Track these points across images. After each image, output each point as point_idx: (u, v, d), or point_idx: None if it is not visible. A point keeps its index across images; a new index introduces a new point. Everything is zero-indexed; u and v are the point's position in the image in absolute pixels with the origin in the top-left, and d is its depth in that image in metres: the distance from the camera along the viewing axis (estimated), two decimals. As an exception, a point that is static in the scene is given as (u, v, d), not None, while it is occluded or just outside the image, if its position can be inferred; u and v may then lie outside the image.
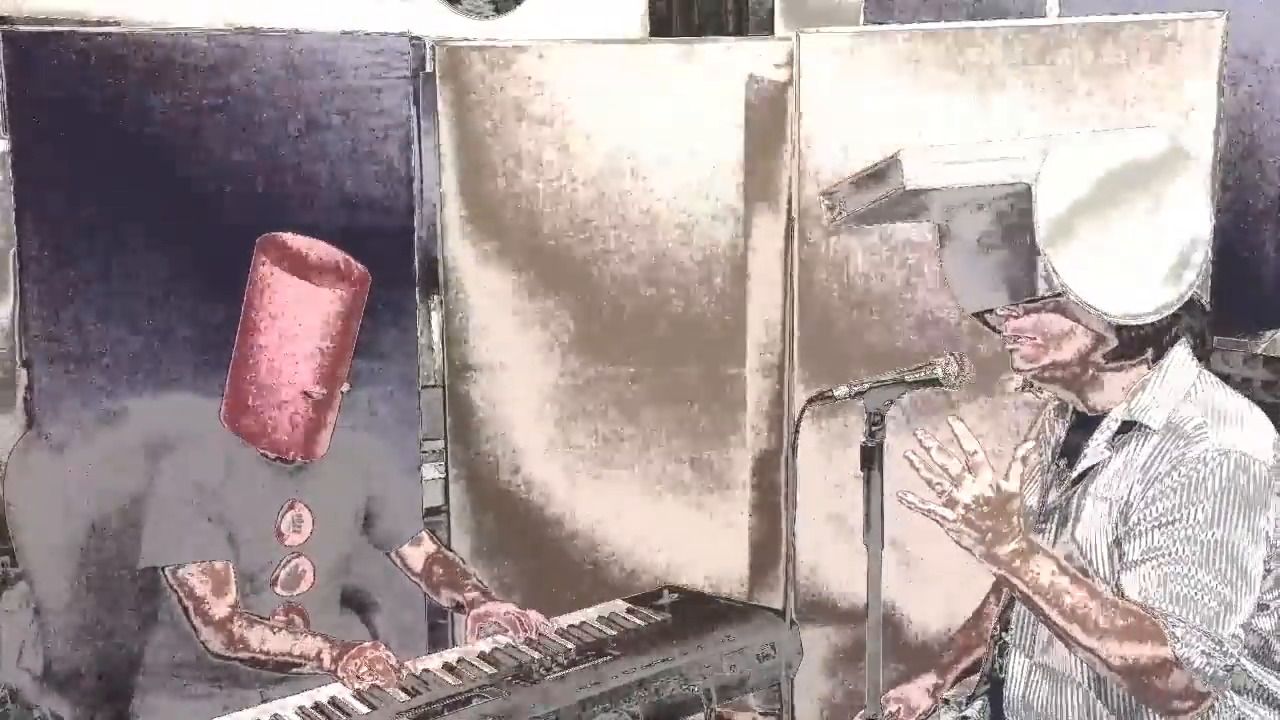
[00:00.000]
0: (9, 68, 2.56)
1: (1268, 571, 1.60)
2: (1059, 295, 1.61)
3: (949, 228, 1.79)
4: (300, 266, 2.26)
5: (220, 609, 2.18)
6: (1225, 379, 1.72)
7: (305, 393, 2.25)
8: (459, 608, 2.41)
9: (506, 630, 2.26)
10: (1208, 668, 1.52)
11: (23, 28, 2.71)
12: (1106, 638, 1.54)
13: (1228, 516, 1.56)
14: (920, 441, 1.59)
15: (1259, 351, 3.18)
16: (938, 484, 1.58)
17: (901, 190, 1.62)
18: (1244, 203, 3.16)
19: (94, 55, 2.64)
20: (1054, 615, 1.57)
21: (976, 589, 2.02)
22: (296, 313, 2.23)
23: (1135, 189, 1.61)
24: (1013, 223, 1.63)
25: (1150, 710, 1.64)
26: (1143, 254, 1.61)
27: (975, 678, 1.94)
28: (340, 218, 2.71)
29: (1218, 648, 1.52)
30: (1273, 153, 3.20)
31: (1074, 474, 1.73)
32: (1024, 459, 1.60)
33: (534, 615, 2.29)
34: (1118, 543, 1.64)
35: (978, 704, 1.92)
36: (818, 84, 2.75)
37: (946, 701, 1.96)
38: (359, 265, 2.35)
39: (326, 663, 2.14)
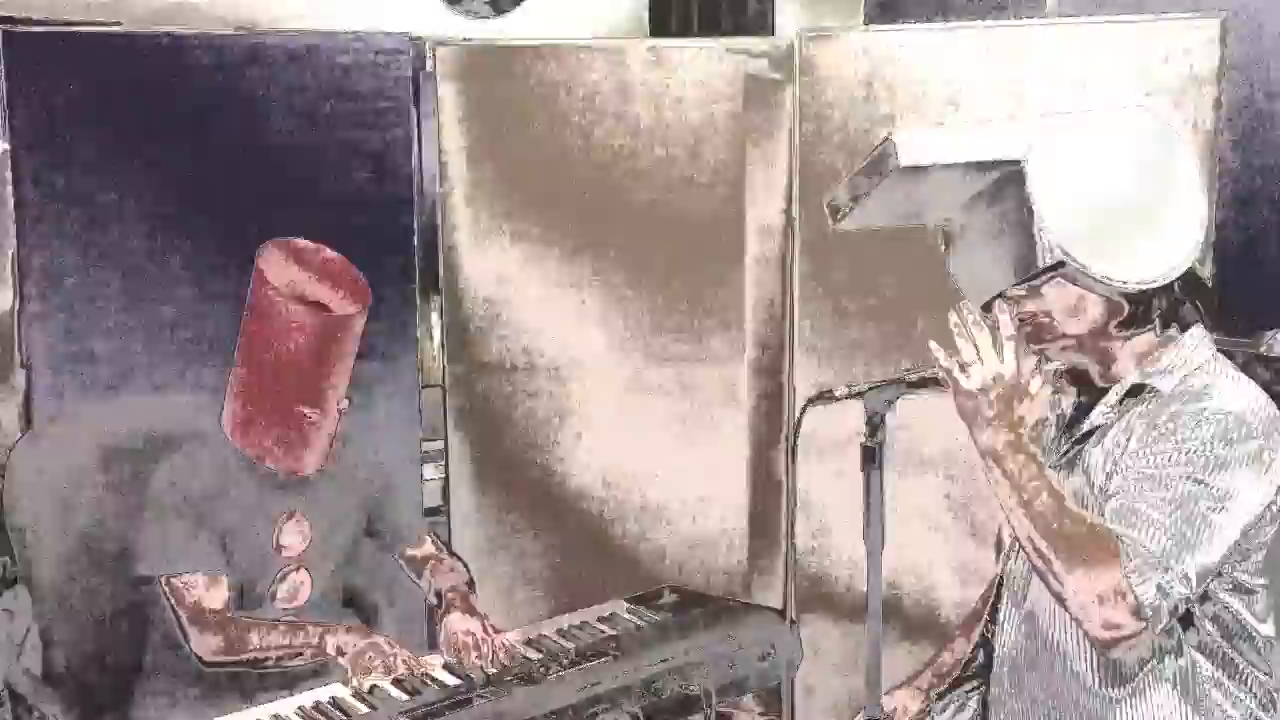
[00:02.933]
0: (9, 68, 2.56)
1: (1250, 551, 1.62)
2: (1060, 265, 1.61)
3: (949, 229, 1.80)
4: (301, 286, 2.19)
5: (212, 618, 2.16)
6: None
7: (301, 413, 2.21)
8: (440, 603, 2.38)
9: (461, 650, 2.16)
10: (1154, 596, 1.52)
11: (22, 28, 2.72)
12: (1064, 549, 1.55)
13: (1207, 464, 1.56)
14: (963, 307, 1.63)
15: (1259, 351, 3.18)
16: (966, 348, 1.61)
17: (896, 170, 1.62)
18: (1245, 203, 3.16)
19: (94, 55, 2.64)
20: (1022, 514, 1.58)
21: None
22: (292, 334, 2.16)
23: (1121, 156, 1.63)
24: (1008, 204, 1.64)
25: (1131, 671, 1.65)
26: (1139, 216, 1.62)
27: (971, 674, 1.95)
28: (340, 218, 2.71)
29: (1166, 579, 1.52)
30: (1273, 153, 3.20)
31: (1079, 434, 1.74)
32: (1047, 373, 1.66)
33: (500, 639, 2.17)
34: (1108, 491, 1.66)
35: (973, 703, 1.92)
36: (817, 84, 2.75)
37: (941, 695, 1.96)
38: (362, 280, 2.26)
39: (328, 649, 2.13)
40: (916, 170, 1.64)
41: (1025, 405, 1.61)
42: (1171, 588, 1.53)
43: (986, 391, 1.60)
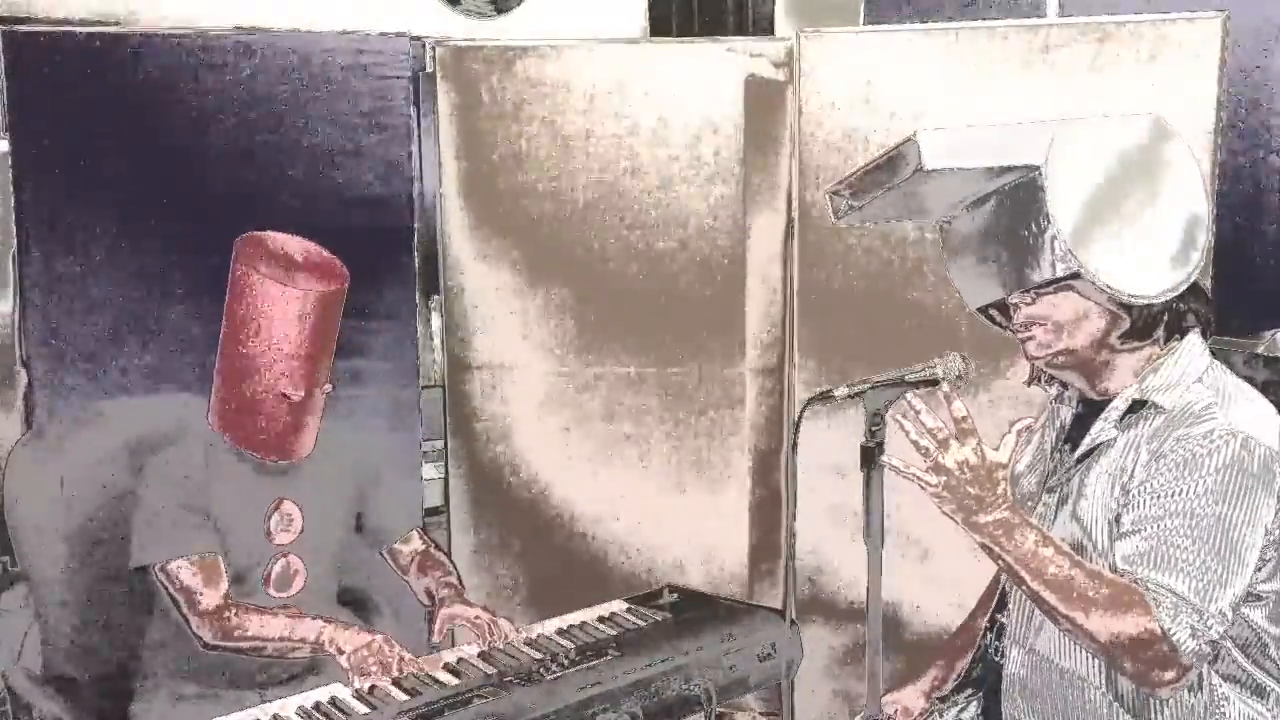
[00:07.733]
0: (9, 68, 2.57)
1: (1265, 562, 1.60)
2: (1074, 276, 1.60)
3: (952, 227, 1.79)
4: (275, 267, 2.25)
5: (212, 599, 2.18)
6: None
7: (283, 394, 2.24)
8: (432, 600, 2.42)
9: (474, 636, 2.25)
10: (1191, 639, 1.51)
11: (23, 28, 2.71)
12: (1091, 608, 1.53)
13: (1227, 494, 1.55)
14: (910, 404, 1.60)
15: (1259, 351, 3.18)
16: (924, 448, 1.58)
17: (919, 172, 1.60)
18: (1244, 203, 3.16)
19: (94, 55, 2.64)
20: (1037, 586, 1.56)
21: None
22: (271, 314, 2.21)
23: (1137, 170, 1.62)
24: (1020, 210, 1.63)
25: (1153, 701, 1.63)
26: (1151, 233, 1.61)
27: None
28: (340, 218, 2.72)
29: (1201, 621, 1.52)
30: (1272, 154, 3.20)
31: (1079, 453, 1.72)
32: (1019, 433, 1.61)
33: (504, 624, 2.27)
34: (1118, 518, 1.63)
35: (974, 706, 1.92)
36: (817, 84, 2.75)
37: (944, 699, 1.96)
38: (339, 264, 2.32)
39: (327, 645, 2.14)
40: (936, 170, 1.62)
41: (1002, 474, 1.58)
42: (1209, 627, 1.52)
43: (957, 482, 1.56)
